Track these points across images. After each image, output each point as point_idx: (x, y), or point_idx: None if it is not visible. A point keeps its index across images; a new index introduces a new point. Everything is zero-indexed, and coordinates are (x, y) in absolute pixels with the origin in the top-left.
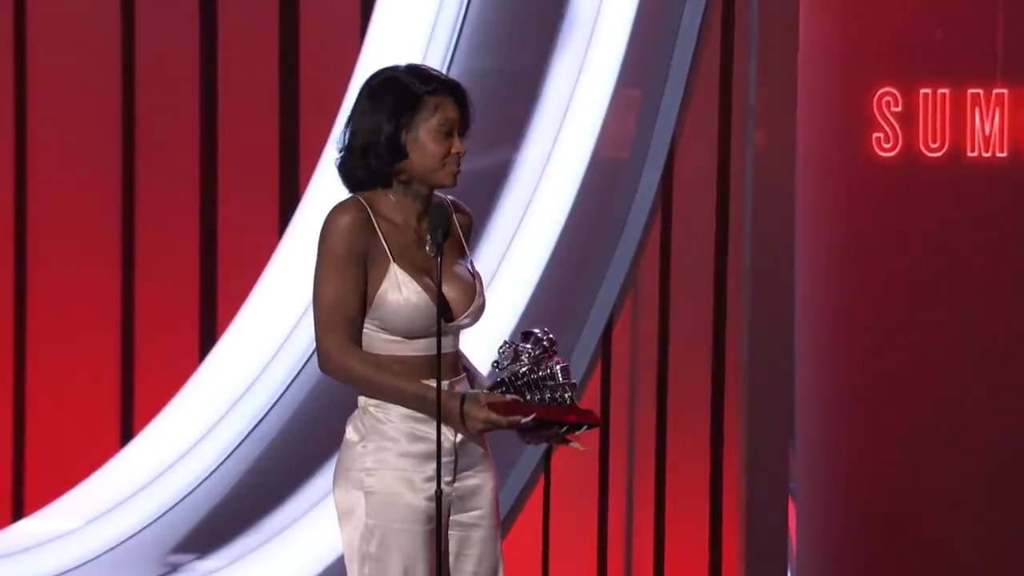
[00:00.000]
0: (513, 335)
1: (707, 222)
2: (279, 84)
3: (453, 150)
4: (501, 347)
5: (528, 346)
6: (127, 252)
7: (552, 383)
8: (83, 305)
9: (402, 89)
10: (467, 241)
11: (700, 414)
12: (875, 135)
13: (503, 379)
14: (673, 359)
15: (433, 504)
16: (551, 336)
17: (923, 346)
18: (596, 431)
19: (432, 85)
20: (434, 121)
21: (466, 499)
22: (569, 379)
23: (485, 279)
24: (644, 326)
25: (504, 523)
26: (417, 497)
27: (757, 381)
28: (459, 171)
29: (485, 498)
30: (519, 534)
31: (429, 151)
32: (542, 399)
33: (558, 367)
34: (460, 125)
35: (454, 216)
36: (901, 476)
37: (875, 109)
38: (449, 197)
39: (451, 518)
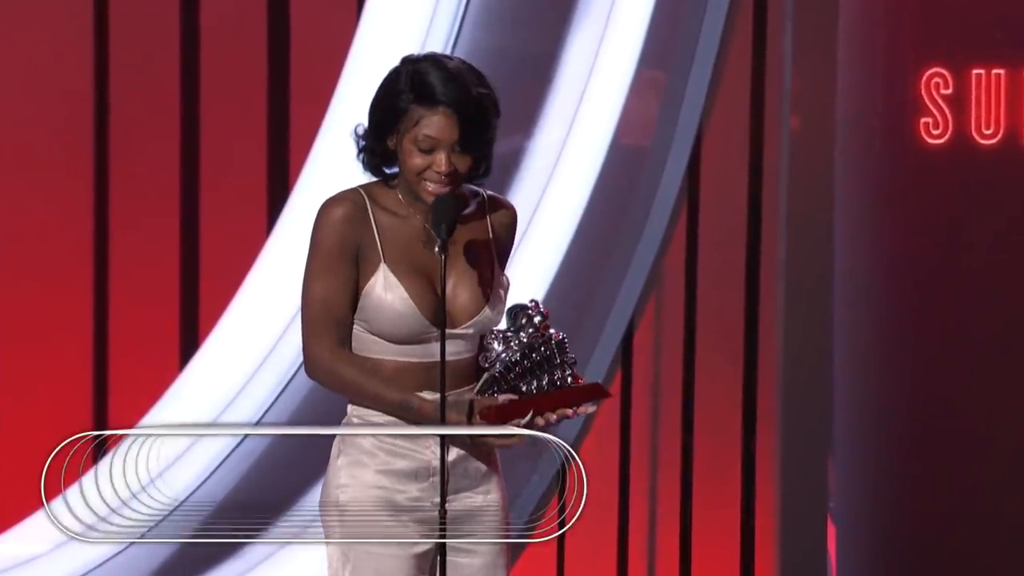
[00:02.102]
0: (507, 325)
1: (738, 216)
2: (267, 64)
3: (433, 168)
4: (489, 337)
5: (517, 329)
6: (100, 250)
7: (549, 366)
8: (52, 309)
9: (394, 92)
10: (505, 241)
11: (730, 428)
12: (923, 120)
13: (495, 374)
14: (700, 367)
15: (422, 527)
16: (542, 309)
17: (976, 352)
18: (615, 446)
19: (421, 92)
20: (414, 134)
21: (460, 522)
22: (567, 355)
23: None
24: (668, 331)
25: (514, 548)
26: (399, 519)
27: (793, 391)
28: (442, 191)
29: (486, 523)
30: (531, 560)
31: (407, 164)
32: (540, 386)
33: (554, 343)
34: (454, 142)
35: (487, 212)
36: (950, 495)
37: (923, 91)
38: (489, 192)
39: (442, 543)
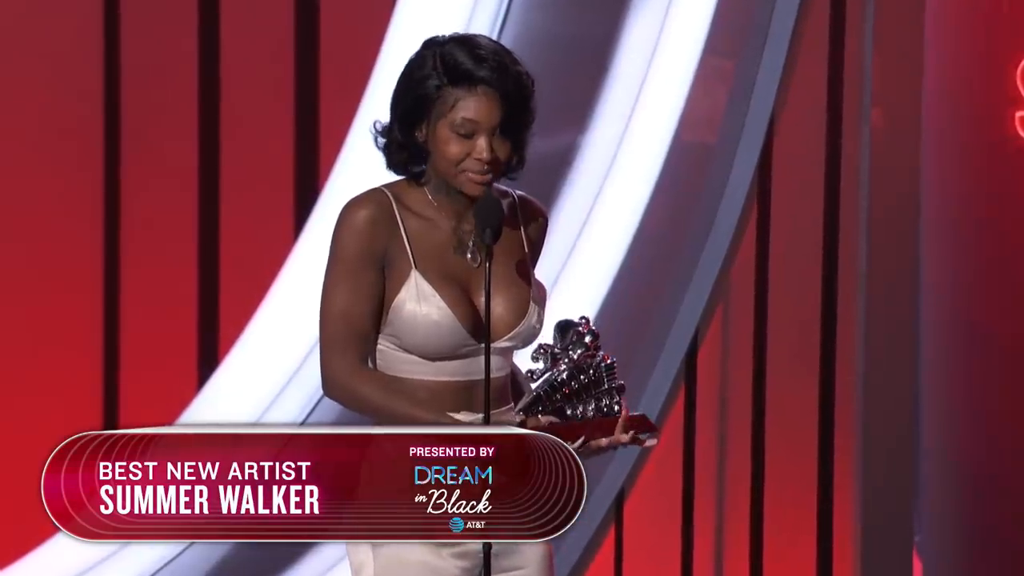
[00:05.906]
0: (555, 341)
1: (813, 220)
2: (294, 53)
3: (474, 155)
4: (535, 352)
5: (566, 347)
6: (111, 258)
7: (596, 391)
8: (58, 320)
9: (422, 77)
10: (537, 247)
11: (805, 452)
12: (1019, 114)
13: (539, 393)
14: (772, 385)
15: (463, 563)
16: (593, 328)
17: None
18: (679, 472)
19: (455, 73)
20: (451, 119)
21: (503, 556)
22: (615, 380)
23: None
24: (737, 345)
25: None
26: (438, 554)
27: (874, 411)
28: (487, 179)
29: (532, 556)
30: None
31: (443, 153)
32: (585, 413)
33: (603, 366)
34: (495, 126)
35: (518, 215)
36: None
37: (1019, 83)
38: (519, 192)
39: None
